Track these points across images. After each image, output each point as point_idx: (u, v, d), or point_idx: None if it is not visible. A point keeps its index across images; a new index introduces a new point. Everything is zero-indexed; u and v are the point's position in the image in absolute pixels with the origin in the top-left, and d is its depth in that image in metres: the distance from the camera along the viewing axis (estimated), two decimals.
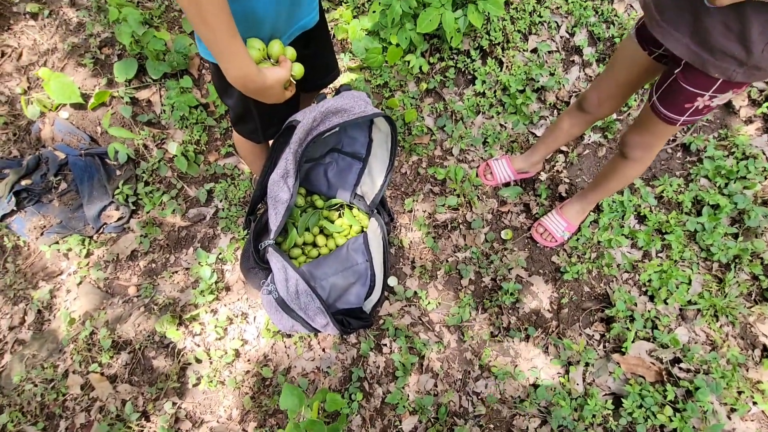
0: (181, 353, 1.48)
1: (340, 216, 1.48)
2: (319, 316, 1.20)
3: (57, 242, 1.62)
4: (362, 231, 1.44)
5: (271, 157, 1.20)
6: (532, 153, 1.65)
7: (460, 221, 1.67)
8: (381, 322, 1.52)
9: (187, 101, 1.72)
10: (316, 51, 1.07)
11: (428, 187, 1.73)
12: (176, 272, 1.60)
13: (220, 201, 1.70)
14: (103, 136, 1.79)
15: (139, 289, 1.58)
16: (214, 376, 1.44)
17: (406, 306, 1.55)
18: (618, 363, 1.43)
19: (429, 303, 1.54)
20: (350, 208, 1.49)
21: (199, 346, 1.49)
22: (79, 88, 1.78)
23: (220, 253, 1.60)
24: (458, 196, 1.67)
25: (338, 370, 1.46)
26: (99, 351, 1.47)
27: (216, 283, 1.55)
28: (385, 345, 1.49)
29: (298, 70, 0.87)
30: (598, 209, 1.65)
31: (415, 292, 1.56)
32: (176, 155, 1.69)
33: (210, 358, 1.47)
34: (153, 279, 1.59)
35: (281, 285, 1.19)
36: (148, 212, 1.69)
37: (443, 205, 1.67)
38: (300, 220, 1.41)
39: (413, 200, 1.69)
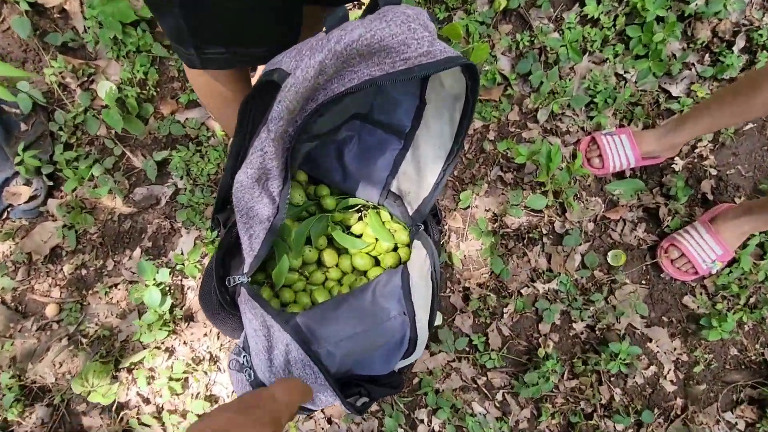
0: (123, 411, 1.01)
1: (361, 218, 0.91)
2: (322, 392, 0.69)
3: None
4: (398, 262, 0.88)
5: (239, 134, 0.63)
6: (675, 128, 1.00)
7: (545, 231, 1.08)
8: (415, 381, 1.02)
9: (120, 13, 1.06)
10: None
11: (496, 172, 1.12)
12: (115, 286, 1.08)
13: (180, 178, 1.12)
14: None
15: (61, 308, 1.07)
16: None
17: (454, 360, 1.03)
18: None
19: (489, 358, 1.02)
20: (378, 211, 0.91)
21: (147, 403, 1.02)
22: None
23: (177, 265, 1.06)
24: (545, 192, 1.07)
25: None
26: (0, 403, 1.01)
27: (171, 310, 1.03)
28: (422, 421, 1.00)
29: None
30: None
31: (469, 339, 1.03)
32: (108, 104, 1.07)
33: (163, 426, 1.00)
34: (82, 295, 1.08)
35: (260, 356, 0.67)
36: (73, 191, 1.12)
37: (519, 205, 1.08)
38: (295, 231, 0.83)
39: (472, 192, 1.09)
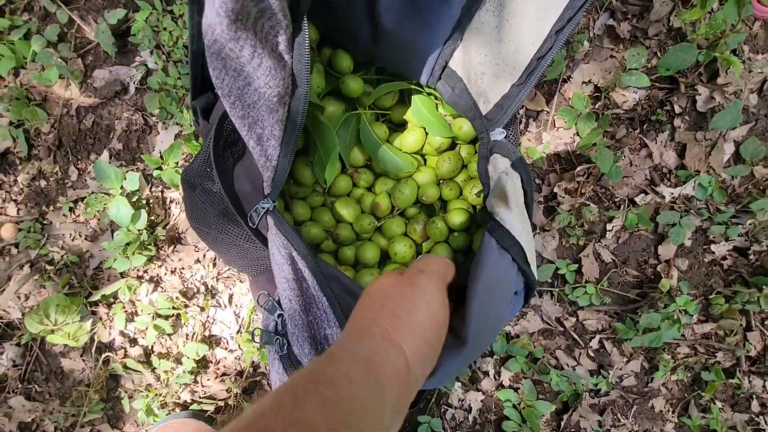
0: (106, 353, 0.81)
1: (404, 100, 0.59)
2: None
3: None
4: (459, 165, 0.57)
5: None
6: None
7: (678, 110, 0.71)
8: None
9: None
10: None
11: (604, 20, 0.73)
12: (81, 200, 0.83)
13: (150, 53, 0.81)
14: None
15: (18, 228, 0.84)
16: (162, 403, 0.78)
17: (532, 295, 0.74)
18: None
19: (583, 292, 0.73)
20: (429, 98, 0.59)
21: (133, 344, 0.81)
22: None
23: (153, 170, 0.79)
24: (690, 42, 0.68)
25: None
26: None
27: (152, 230, 0.78)
28: (486, 373, 0.74)
29: None
30: None
31: (555, 267, 0.73)
32: None
33: (153, 370, 0.79)
34: (42, 211, 0.84)
35: (295, 320, 0.40)
36: (14, 74, 0.84)
37: (640, 69, 0.70)
38: (319, 133, 0.52)
39: (564, 56, 0.73)
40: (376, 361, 0.27)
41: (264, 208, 0.37)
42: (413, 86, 0.57)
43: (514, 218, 0.39)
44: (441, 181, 0.60)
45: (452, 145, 0.62)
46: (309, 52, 0.32)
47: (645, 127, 0.73)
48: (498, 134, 0.47)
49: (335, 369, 0.25)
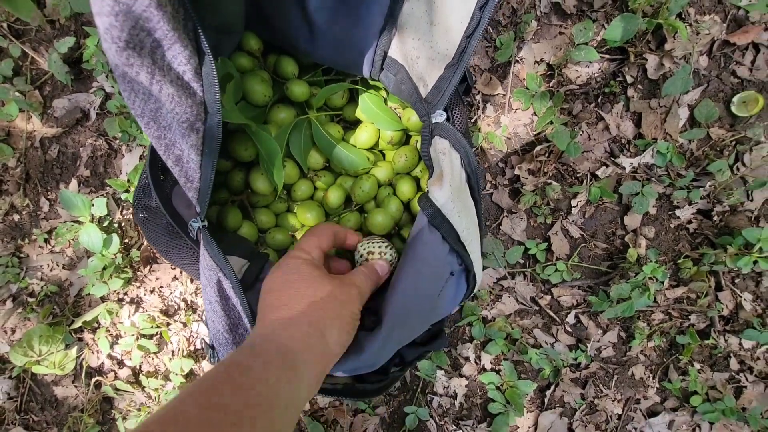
0: (96, 378, 0.82)
1: (351, 98, 0.59)
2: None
3: None
4: (414, 161, 0.57)
5: None
6: None
7: (630, 80, 0.72)
8: (454, 311, 0.76)
9: None
10: None
11: None
12: (54, 231, 0.84)
13: (106, 77, 0.81)
14: None
15: None
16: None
17: (504, 278, 0.75)
18: None
19: (554, 269, 0.74)
20: (375, 93, 0.59)
21: (121, 366, 0.82)
22: None
23: (120, 193, 0.79)
24: (632, 12, 0.68)
25: (379, 401, 0.77)
26: None
27: (127, 252, 0.79)
28: (467, 359, 0.75)
29: None
30: None
31: (524, 248, 0.74)
32: None
33: (143, 389, 0.80)
34: (18, 245, 0.85)
35: (219, 339, 0.41)
36: None
37: (589, 43, 0.70)
38: (265, 153, 0.53)
39: (513, 37, 0.73)
40: (290, 347, 0.29)
41: (194, 227, 0.38)
42: (357, 86, 0.57)
43: (446, 197, 0.40)
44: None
45: (407, 139, 0.62)
46: (217, 81, 0.32)
47: (600, 100, 0.73)
48: (438, 116, 0.48)
49: (252, 358, 0.27)
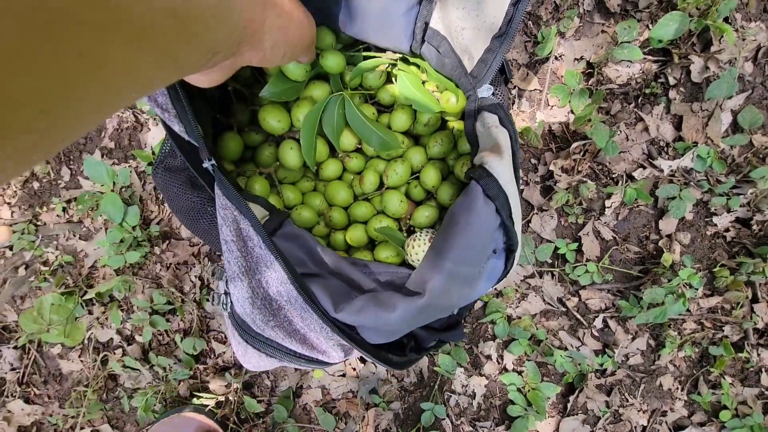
0: (104, 353, 0.80)
1: (390, 80, 0.58)
2: (330, 345, 0.41)
3: None
4: (451, 144, 0.56)
5: None
6: None
7: (672, 81, 0.70)
8: (478, 306, 0.73)
9: None
10: None
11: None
12: (74, 201, 0.82)
13: None
14: None
15: (12, 230, 0.83)
16: (162, 399, 0.77)
17: (532, 276, 0.73)
18: None
19: (584, 271, 0.71)
20: (414, 74, 0.58)
21: (130, 342, 0.80)
22: None
23: (149, 161, 0.78)
24: (680, 11, 0.67)
25: (394, 396, 0.75)
26: None
27: (147, 226, 0.77)
28: (489, 357, 0.73)
29: None
30: None
31: (554, 247, 0.72)
32: None
33: (151, 367, 0.78)
34: (35, 213, 0.83)
35: (236, 282, 0.39)
36: None
37: (632, 42, 0.69)
38: (302, 135, 0.52)
39: (554, 34, 0.72)
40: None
41: (206, 167, 0.36)
42: (396, 60, 0.56)
43: (504, 169, 0.38)
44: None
45: (442, 124, 0.61)
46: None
47: (640, 100, 0.72)
48: (485, 91, 0.46)
49: None
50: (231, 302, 0.41)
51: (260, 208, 0.41)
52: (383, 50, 0.58)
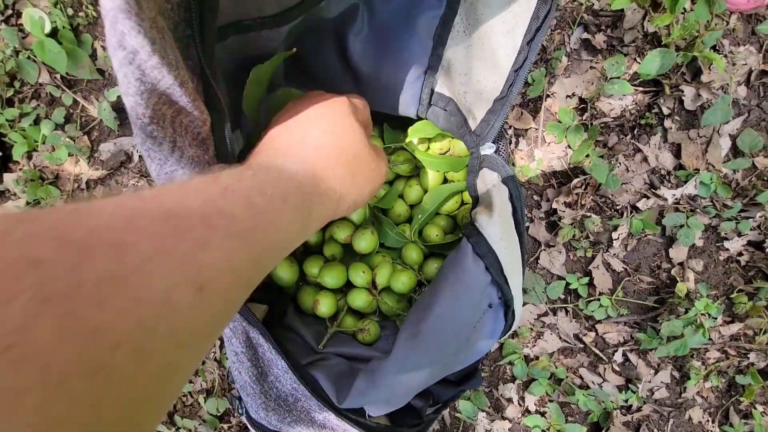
0: None
1: (401, 147, 0.60)
2: (353, 428, 0.42)
3: None
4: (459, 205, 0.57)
5: None
6: None
7: (666, 111, 0.71)
8: (494, 348, 0.73)
9: None
10: None
11: (579, 34, 0.74)
12: None
13: None
14: None
15: None
16: None
17: (545, 314, 0.73)
18: None
19: (598, 305, 0.71)
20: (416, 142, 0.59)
21: None
22: None
23: None
24: (666, 46, 0.68)
25: None
26: None
27: None
28: (510, 400, 0.72)
29: None
30: None
31: (565, 283, 0.72)
32: (38, 36, 0.81)
33: (177, 430, 0.79)
34: None
35: (246, 390, 0.40)
36: (26, 156, 0.89)
37: (621, 77, 0.71)
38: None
39: (545, 73, 0.74)
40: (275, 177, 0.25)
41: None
42: (404, 147, 0.55)
43: (494, 228, 0.39)
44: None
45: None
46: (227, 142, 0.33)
47: (636, 131, 0.73)
48: (488, 149, 0.48)
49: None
50: (245, 408, 0.42)
51: (259, 306, 0.43)
52: (390, 116, 0.58)
